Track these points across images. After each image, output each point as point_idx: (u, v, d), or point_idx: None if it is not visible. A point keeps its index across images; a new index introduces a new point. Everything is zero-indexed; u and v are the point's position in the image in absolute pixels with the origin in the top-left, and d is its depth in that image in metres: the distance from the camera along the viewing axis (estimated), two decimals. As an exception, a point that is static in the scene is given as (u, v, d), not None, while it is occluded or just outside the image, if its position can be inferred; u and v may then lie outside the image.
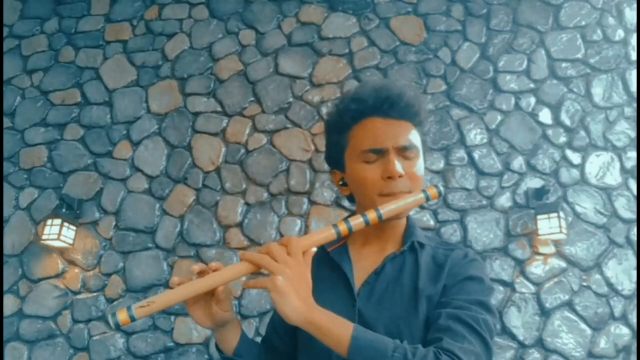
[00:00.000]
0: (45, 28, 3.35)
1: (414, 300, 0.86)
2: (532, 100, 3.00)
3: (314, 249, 0.83)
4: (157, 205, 2.95)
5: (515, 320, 2.65)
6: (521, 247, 2.75)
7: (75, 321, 2.77)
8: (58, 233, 2.70)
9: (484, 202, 2.84)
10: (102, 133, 3.11)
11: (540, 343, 2.62)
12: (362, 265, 0.94)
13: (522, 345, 2.62)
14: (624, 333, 2.64)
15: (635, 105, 2.98)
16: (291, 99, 3.08)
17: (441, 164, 2.91)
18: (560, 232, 2.59)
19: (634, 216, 2.80)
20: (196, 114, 3.10)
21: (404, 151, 0.90)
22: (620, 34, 3.10)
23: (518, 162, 2.90)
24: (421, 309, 0.85)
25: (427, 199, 0.87)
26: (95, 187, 3.00)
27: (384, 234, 0.96)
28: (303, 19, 3.22)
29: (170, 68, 3.19)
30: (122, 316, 0.77)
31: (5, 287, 2.84)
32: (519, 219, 2.80)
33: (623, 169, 2.89)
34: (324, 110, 3.01)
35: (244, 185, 2.95)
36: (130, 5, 3.34)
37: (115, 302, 2.78)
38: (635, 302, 2.68)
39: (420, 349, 0.76)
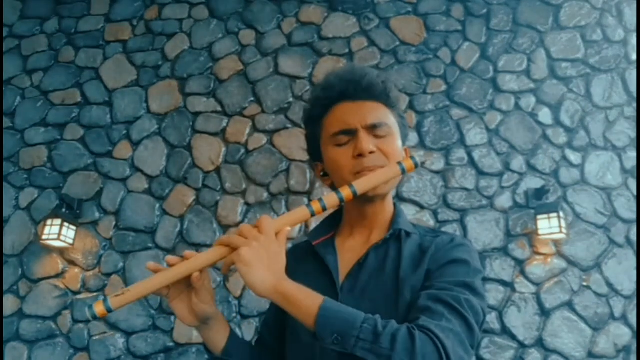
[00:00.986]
0: (45, 28, 3.35)
1: (395, 290, 0.84)
2: (532, 100, 3.00)
3: (289, 228, 0.82)
4: (157, 205, 2.95)
5: (515, 320, 2.65)
6: (521, 247, 2.75)
7: (75, 321, 2.77)
8: (58, 233, 2.70)
9: (484, 202, 2.84)
10: (102, 133, 3.11)
11: (540, 343, 2.62)
12: (347, 257, 0.93)
13: (522, 345, 2.62)
14: (624, 333, 2.64)
15: (635, 105, 2.98)
16: (291, 99, 3.08)
17: (441, 164, 2.91)
18: (560, 232, 2.59)
19: (634, 216, 2.80)
20: (196, 114, 3.10)
21: (374, 129, 0.90)
22: (620, 34, 3.10)
23: (518, 162, 2.90)
24: (402, 298, 0.82)
25: (403, 171, 0.85)
26: (95, 187, 3.00)
27: (369, 222, 0.95)
28: (303, 19, 3.22)
29: (170, 68, 3.19)
30: (98, 308, 0.76)
31: (5, 287, 2.84)
32: (519, 219, 2.80)
33: (623, 169, 2.89)
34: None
35: (244, 185, 2.95)
36: (130, 5, 3.34)
37: (115, 302, 2.78)
38: (635, 302, 2.68)
39: (392, 322, 0.72)
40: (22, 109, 3.20)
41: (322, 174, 0.99)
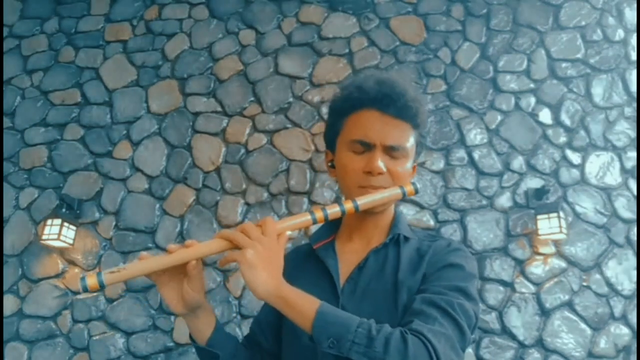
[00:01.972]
0: (45, 28, 3.35)
1: (394, 293, 0.86)
2: (532, 100, 3.00)
3: (289, 233, 0.83)
4: (157, 205, 2.95)
5: (515, 320, 2.65)
6: (521, 247, 2.75)
7: (75, 321, 2.77)
8: (58, 233, 2.70)
9: (484, 202, 2.84)
10: (102, 133, 3.11)
11: (540, 343, 2.62)
12: (347, 260, 0.95)
13: (522, 345, 2.62)
14: (624, 333, 2.64)
15: (635, 105, 2.98)
16: (291, 99, 3.08)
17: (441, 164, 2.91)
18: (560, 232, 2.59)
19: (634, 216, 2.80)
20: (196, 114, 3.10)
21: (391, 150, 0.91)
22: (620, 34, 3.10)
23: (518, 162, 2.90)
24: (401, 301, 0.85)
25: (404, 194, 0.90)
26: (95, 187, 3.00)
27: (369, 228, 0.97)
28: (303, 19, 3.22)
29: (170, 68, 3.19)
30: (90, 280, 0.76)
31: (5, 287, 2.84)
32: (519, 219, 2.80)
33: (623, 169, 2.89)
34: (324, 110, 3.01)
35: (244, 185, 2.95)
36: (130, 5, 3.34)
37: (115, 302, 2.79)
38: (635, 302, 2.68)
39: (385, 327, 0.74)
40: (22, 109, 3.20)
41: (330, 164, 1.01)
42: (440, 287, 0.82)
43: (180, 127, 3.08)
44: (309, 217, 0.85)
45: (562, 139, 2.93)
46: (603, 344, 2.62)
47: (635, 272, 2.71)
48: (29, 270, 2.86)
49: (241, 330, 2.70)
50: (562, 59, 3.07)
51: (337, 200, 2.87)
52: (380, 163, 0.89)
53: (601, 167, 2.88)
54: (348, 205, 0.87)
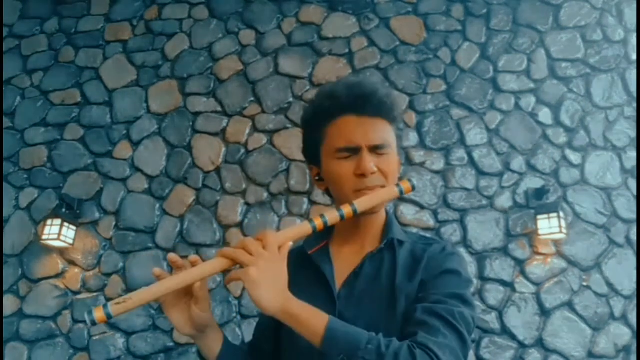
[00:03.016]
0: (45, 28, 3.35)
1: (392, 299, 0.87)
2: (532, 100, 3.00)
3: (291, 244, 0.83)
4: (157, 205, 2.95)
5: (515, 320, 2.65)
6: (521, 247, 2.75)
7: (75, 321, 2.77)
8: (58, 233, 2.70)
9: (484, 202, 2.84)
10: (102, 133, 3.11)
11: (540, 343, 2.62)
12: (343, 266, 0.95)
13: (522, 345, 2.62)
14: (624, 333, 2.64)
15: (635, 105, 2.98)
16: (291, 99, 3.08)
17: (441, 164, 2.91)
18: (560, 232, 2.59)
19: (634, 216, 2.80)
20: (196, 114, 3.10)
21: (377, 149, 0.92)
22: (620, 34, 3.10)
23: (518, 162, 2.90)
24: (399, 307, 0.85)
25: (401, 192, 0.90)
26: (95, 187, 3.00)
27: (363, 232, 0.97)
28: (303, 19, 3.22)
29: (170, 68, 3.19)
30: (98, 314, 0.76)
31: (5, 287, 2.84)
32: (519, 219, 2.80)
33: (623, 169, 2.89)
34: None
35: (244, 185, 2.95)
36: (130, 5, 3.34)
37: (115, 302, 2.78)
38: (635, 302, 2.68)
39: (394, 342, 0.75)
40: (22, 109, 3.20)
41: (317, 178, 1.01)
42: (439, 295, 0.84)
43: (180, 127, 3.08)
44: (308, 225, 0.85)
45: (562, 139, 2.93)
46: (603, 344, 2.62)
47: (635, 272, 2.71)
48: (29, 270, 2.86)
49: (241, 330, 2.70)
50: (562, 59, 3.07)
51: (335, 206, 2.87)
52: (371, 163, 0.90)
53: (601, 167, 2.88)
54: (346, 210, 0.87)
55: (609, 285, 2.71)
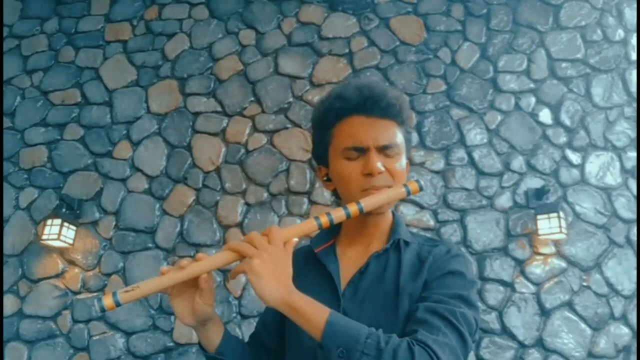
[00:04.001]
0: (45, 28, 3.35)
1: (395, 299, 0.87)
2: (532, 100, 3.00)
3: (296, 240, 0.84)
4: (157, 205, 2.95)
5: (515, 320, 2.65)
6: (521, 247, 2.75)
7: (75, 321, 2.77)
8: (58, 233, 2.70)
9: (484, 202, 2.84)
10: (102, 133, 3.11)
11: (540, 343, 2.62)
12: (348, 265, 0.95)
13: (522, 345, 2.62)
14: (624, 333, 2.64)
15: (635, 105, 2.98)
16: (291, 99, 3.08)
17: (441, 164, 2.91)
18: (560, 232, 2.59)
19: (634, 216, 2.80)
20: (196, 114, 3.10)
21: (384, 149, 0.92)
22: (620, 34, 3.10)
23: (518, 162, 2.90)
24: (402, 307, 0.86)
25: (408, 192, 0.90)
26: (95, 187, 3.00)
27: (369, 232, 0.97)
28: (303, 19, 3.22)
29: (170, 68, 3.19)
30: (107, 301, 0.78)
31: (5, 287, 2.84)
32: (519, 219, 2.80)
33: (623, 169, 2.89)
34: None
35: (244, 185, 2.95)
36: (130, 5, 3.34)
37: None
38: (635, 302, 2.68)
39: (394, 338, 0.76)
40: (22, 109, 3.20)
41: (325, 178, 1.01)
42: (442, 295, 0.84)
43: (180, 127, 3.08)
44: (314, 222, 0.86)
45: (562, 139, 2.93)
46: (603, 344, 2.62)
47: (635, 272, 2.71)
48: (29, 270, 2.86)
49: (241, 330, 2.70)
50: (562, 59, 3.07)
51: (337, 201, 2.87)
52: (379, 163, 0.90)
53: (601, 167, 2.89)
54: (353, 208, 0.87)
55: (609, 285, 2.71)
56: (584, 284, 2.71)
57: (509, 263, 2.73)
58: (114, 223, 2.93)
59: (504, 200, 2.84)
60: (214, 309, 0.89)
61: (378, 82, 0.99)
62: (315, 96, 3.06)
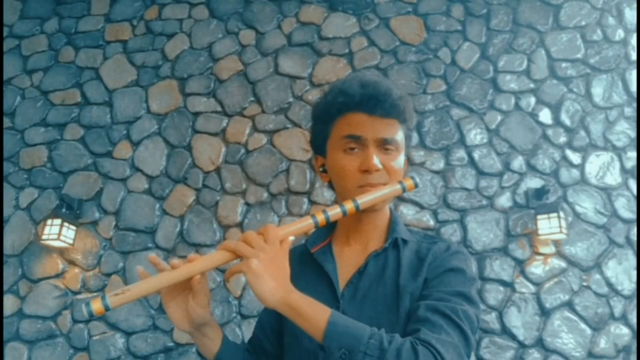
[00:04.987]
0: (45, 28, 3.35)
1: (396, 298, 0.86)
2: (532, 100, 3.00)
3: (292, 238, 0.83)
4: (157, 205, 2.95)
5: (515, 320, 2.65)
6: (521, 247, 2.75)
7: (75, 321, 2.77)
8: (58, 233, 2.70)
9: (484, 202, 2.84)
10: (102, 133, 3.11)
11: (540, 343, 2.62)
12: (346, 264, 0.94)
13: (522, 345, 2.62)
14: (624, 333, 2.64)
15: (635, 105, 2.98)
16: (291, 99, 3.08)
17: (441, 164, 2.91)
18: (560, 232, 2.59)
19: (634, 216, 2.80)
20: (196, 114, 3.10)
21: (383, 144, 0.91)
22: (620, 34, 3.10)
23: (518, 162, 2.90)
24: (403, 306, 0.85)
25: (404, 189, 0.89)
26: (95, 187, 3.00)
27: (366, 229, 0.96)
28: (303, 19, 3.22)
29: (170, 68, 3.19)
30: (96, 305, 0.74)
31: (5, 287, 2.84)
32: (519, 219, 2.80)
33: (623, 169, 2.89)
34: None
35: (244, 185, 2.95)
36: (130, 5, 3.34)
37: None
38: (635, 302, 2.68)
39: (397, 337, 0.75)
40: (22, 109, 3.20)
41: (321, 169, 1.00)
42: (442, 292, 0.83)
43: (180, 127, 3.08)
44: (310, 220, 0.85)
45: (562, 139, 2.93)
46: (603, 344, 2.62)
47: (635, 272, 2.71)
48: (29, 270, 2.86)
49: (241, 330, 2.70)
50: (562, 59, 3.07)
51: (337, 201, 2.86)
52: (376, 159, 0.89)
53: (601, 167, 2.88)
54: (349, 206, 0.86)
55: (609, 285, 2.71)
56: (584, 284, 2.71)
57: (509, 263, 2.73)
58: (114, 223, 2.93)
59: (504, 200, 2.84)
60: (210, 312, 0.87)
61: (383, 80, 0.98)
62: (315, 96, 3.05)
